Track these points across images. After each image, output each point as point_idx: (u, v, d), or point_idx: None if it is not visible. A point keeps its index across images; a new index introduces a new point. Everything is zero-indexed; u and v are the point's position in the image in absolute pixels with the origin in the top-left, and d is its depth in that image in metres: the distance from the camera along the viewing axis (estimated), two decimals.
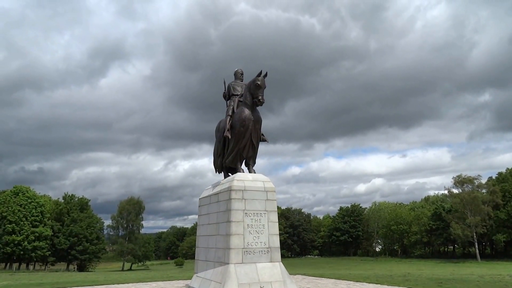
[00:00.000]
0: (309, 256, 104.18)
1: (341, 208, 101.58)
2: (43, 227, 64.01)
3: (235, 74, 12.80)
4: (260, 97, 10.72)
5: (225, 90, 12.62)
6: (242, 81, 12.61)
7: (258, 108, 11.29)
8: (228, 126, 11.35)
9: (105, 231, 80.00)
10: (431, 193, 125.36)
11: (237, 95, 12.06)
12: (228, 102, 12.34)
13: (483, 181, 69.74)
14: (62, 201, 72.98)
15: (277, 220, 10.54)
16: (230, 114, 11.62)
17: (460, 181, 69.34)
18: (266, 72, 11.04)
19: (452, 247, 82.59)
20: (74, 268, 67.41)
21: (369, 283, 15.37)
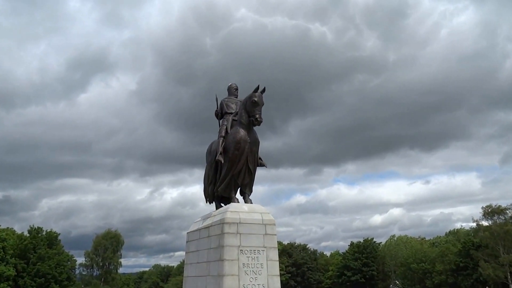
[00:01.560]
0: None
1: (352, 244, 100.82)
2: (4, 265, 63.13)
3: (229, 89, 12.94)
4: (257, 116, 10.84)
5: (217, 108, 12.70)
6: (236, 97, 12.73)
7: (256, 128, 11.42)
8: (220, 149, 11.39)
9: (77, 271, 78.90)
10: (458, 225, 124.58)
11: (231, 113, 12.18)
12: (221, 121, 12.41)
13: None
14: (28, 235, 72.13)
15: (277, 258, 10.51)
16: (223, 135, 11.69)
17: (490, 212, 69.07)
18: (264, 88, 11.25)
19: None
20: None
21: None
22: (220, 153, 11.35)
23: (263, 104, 11.14)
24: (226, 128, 11.77)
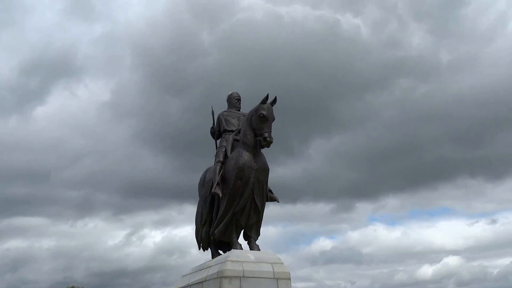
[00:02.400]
0: None
1: None
2: None
3: (229, 100, 11.74)
4: (266, 135, 9.72)
5: (214, 124, 11.53)
6: (239, 110, 11.53)
7: (265, 150, 10.25)
8: (218, 179, 10.10)
9: None
10: None
11: (232, 131, 10.96)
12: (218, 141, 11.23)
13: None
14: None
15: None
16: (222, 160, 10.45)
17: None
18: (275, 98, 10.06)
19: None
20: None
21: None
22: (217, 184, 10.00)
23: (273, 119, 9.96)
24: (225, 151, 10.50)
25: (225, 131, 11.12)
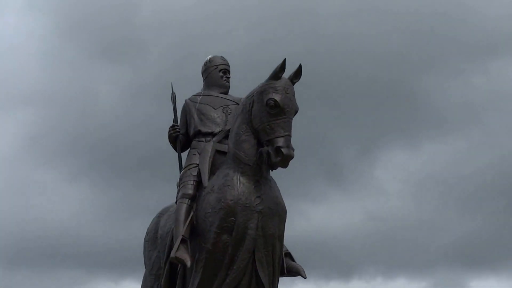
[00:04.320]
0: None
1: None
2: None
3: (207, 71, 7.14)
4: (281, 142, 5.56)
5: (175, 121, 7.04)
6: (226, 93, 7.08)
7: (277, 173, 6.33)
8: (183, 230, 5.93)
9: None
10: None
11: (212, 133, 6.67)
12: (185, 154, 6.91)
13: None
14: None
15: None
16: (191, 192, 6.19)
17: None
18: (299, 67, 5.95)
19: None
20: None
21: None
22: (182, 242, 5.79)
23: (296, 111, 5.80)
24: (199, 174, 6.24)
25: (199, 133, 6.53)
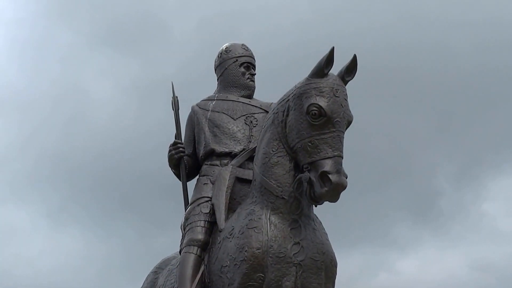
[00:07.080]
0: None
1: None
2: None
3: (223, 65, 5.81)
4: (328, 167, 4.32)
5: (177, 137, 5.97)
6: (250, 97, 5.85)
7: (325, 208, 5.04)
8: None
9: None
10: None
11: (231, 154, 5.55)
12: (194, 182, 5.83)
13: None
14: None
15: None
16: (202, 238, 5.22)
17: None
18: (354, 57, 4.69)
19: None
20: None
21: None
22: None
23: (350, 122, 4.58)
24: (212, 210, 5.12)
25: (212, 154, 5.34)
